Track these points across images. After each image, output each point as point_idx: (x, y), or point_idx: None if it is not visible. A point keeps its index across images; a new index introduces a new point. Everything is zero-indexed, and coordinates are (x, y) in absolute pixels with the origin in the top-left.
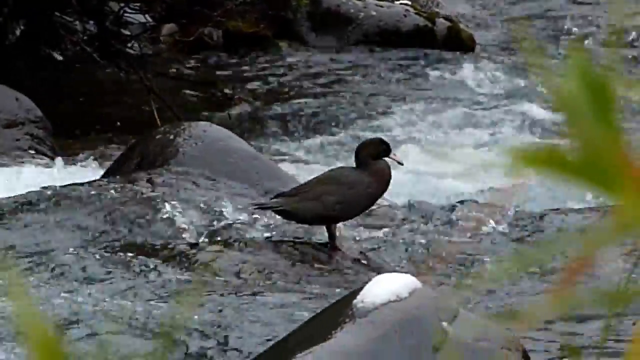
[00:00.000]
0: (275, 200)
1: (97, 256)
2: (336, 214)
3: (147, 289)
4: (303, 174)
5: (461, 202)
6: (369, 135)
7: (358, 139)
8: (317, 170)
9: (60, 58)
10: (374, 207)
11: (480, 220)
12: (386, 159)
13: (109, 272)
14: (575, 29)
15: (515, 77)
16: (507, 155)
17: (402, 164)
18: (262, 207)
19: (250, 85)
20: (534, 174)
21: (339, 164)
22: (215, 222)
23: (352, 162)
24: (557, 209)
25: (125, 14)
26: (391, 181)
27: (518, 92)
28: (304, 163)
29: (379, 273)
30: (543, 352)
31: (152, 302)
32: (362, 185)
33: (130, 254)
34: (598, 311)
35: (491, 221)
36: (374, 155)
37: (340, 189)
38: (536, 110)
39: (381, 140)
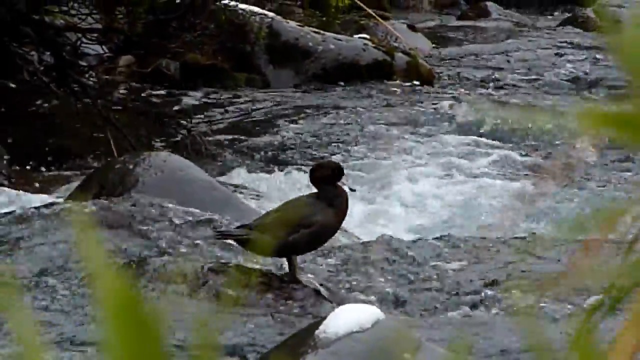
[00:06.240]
0: (238, 230)
1: (54, 282)
2: (298, 246)
3: None
4: (261, 206)
5: (424, 234)
6: None
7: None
8: (274, 201)
9: (14, 87)
10: (335, 238)
11: (444, 252)
12: (339, 183)
13: (69, 297)
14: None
15: (475, 110)
16: (578, 117)
17: (354, 190)
18: (225, 236)
19: (207, 118)
20: (603, 134)
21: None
22: (173, 251)
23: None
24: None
25: (83, 45)
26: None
27: (480, 125)
28: (262, 195)
29: (341, 304)
30: None
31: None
32: (326, 218)
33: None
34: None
35: (456, 253)
36: (328, 179)
37: (304, 222)
38: (503, 146)
39: (334, 164)
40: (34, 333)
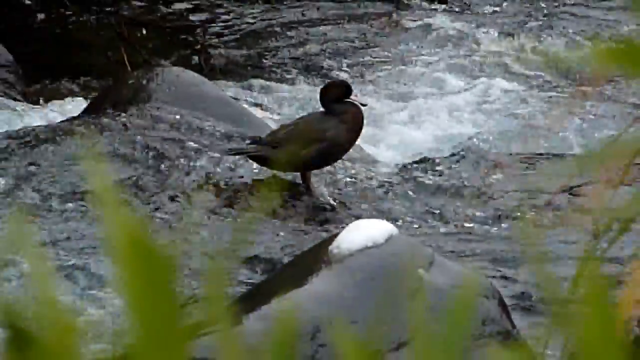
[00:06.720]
0: (251, 146)
1: (63, 202)
2: (310, 161)
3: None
4: (274, 121)
5: (438, 151)
6: None
7: None
8: (286, 117)
9: (29, 2)
10: (349, 155)
11: (451, 169)
12: (350, 99)
13: (78, 220)
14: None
15: (489, 28)
16: (592, 52)
17: (364, 105)
18: (238, 152)
19: (220, 33)
20: (617, 68)
21: (310, 111)
22: (186, 167)
23: (320, 108)
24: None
25: None
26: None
27: (493, 43)
28: (274, 110)
29: (355, 219)
30: (519, 299)
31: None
32: (337, 133)
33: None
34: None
35: (462, 171)
36: (338, 97)
37: (316, 137)
38: (508, 61)
39: (343, 82)
40: (46, 264)
